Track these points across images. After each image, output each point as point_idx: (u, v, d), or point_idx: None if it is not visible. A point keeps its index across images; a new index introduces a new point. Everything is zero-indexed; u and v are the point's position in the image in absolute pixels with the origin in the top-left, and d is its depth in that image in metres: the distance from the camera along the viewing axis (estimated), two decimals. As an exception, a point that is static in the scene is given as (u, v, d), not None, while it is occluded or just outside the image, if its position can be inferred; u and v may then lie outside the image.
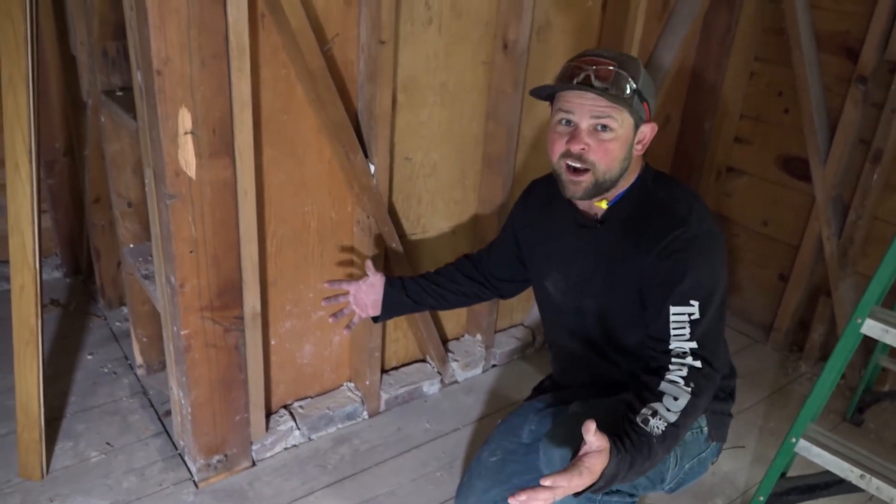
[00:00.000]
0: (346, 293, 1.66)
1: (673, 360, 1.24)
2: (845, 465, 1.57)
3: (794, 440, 1.63)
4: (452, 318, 2.32)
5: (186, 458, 1.87)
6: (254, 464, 1.91)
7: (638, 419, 1.21)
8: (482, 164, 2.10)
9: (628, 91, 1.23)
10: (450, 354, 2.28)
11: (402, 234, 1.98)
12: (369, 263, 1.64)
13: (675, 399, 1.22)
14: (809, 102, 2.29)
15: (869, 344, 2.13)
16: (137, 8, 1.37)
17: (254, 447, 1.90)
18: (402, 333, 2.19)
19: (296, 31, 1.51)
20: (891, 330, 1.49)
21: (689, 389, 1.22)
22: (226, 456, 1.84)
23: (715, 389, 1.29)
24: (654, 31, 2.31)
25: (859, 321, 1.53)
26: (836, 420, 2.25)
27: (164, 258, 1.61)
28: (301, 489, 1.85)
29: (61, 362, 2.24)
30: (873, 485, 1.53)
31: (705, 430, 1.44)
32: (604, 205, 1.38)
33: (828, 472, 1.65)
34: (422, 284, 1.67)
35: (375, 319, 1.69)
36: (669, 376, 1.23)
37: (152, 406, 2.09)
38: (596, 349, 1.46)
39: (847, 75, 2.24)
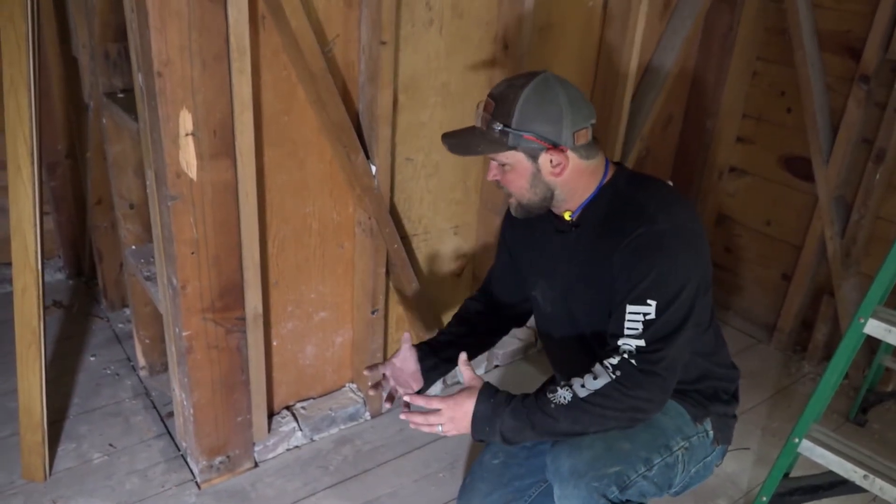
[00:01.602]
0: (386, 378, 1.57)
1: (618, 350, 1.25)
2: (849, 465, 1.56)
3: (797, 440, 1.63)
4: (454, 319, 2.31)
5: (189, 460, 1.87)
6: (256, 465, 1.91)
7: (550, 387, 1.27)
8: (484, 164, 2.10)
9: (496, 134, 1.28)
10: (452, 355, 2.28)
11: (403, 235, 1.98)
12: (406, 336, 1.56)
13: (595, 378, 1.24)
14: (812, 102, 2.29)
15: (872, 344, 2.13)
16: (138, 10, 1.37)
17: (256, 448, 1.90)
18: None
19: (296, 33, 1.51)
20: (894, 330, 1.49)
21: (614, 376, 1.23)
22: (228, 457, 1.84)
23: (660, 394, 1.25)
24: (655, 31, 2.31)
25: (862, 321, 1.52)
26: (840, 420, 2.25)
27: (166, 259, 1.61)
28: (303, 490, 1.85)
29: (64, 364, 2.25)
30: (877, 485, 1.52)
31: (711, 433, 1.44)
32: (567, 216, 1.40)
33: (831, 473, 1.65)
34: (451, 340, 1.59)
35: (421, 392, 1.56)
36: (605, 361, 1.25)
37: (155, 407, 2.09)
38: (590, 351, 1.46)
39: (849, 75, 2.24)
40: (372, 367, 1.60)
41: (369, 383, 1.60)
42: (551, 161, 1.30)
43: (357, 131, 1.74)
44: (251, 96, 1.51)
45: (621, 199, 1.34)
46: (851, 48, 2.23)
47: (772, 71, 2.48)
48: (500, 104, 1.28)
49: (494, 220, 2.12)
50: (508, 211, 1.55)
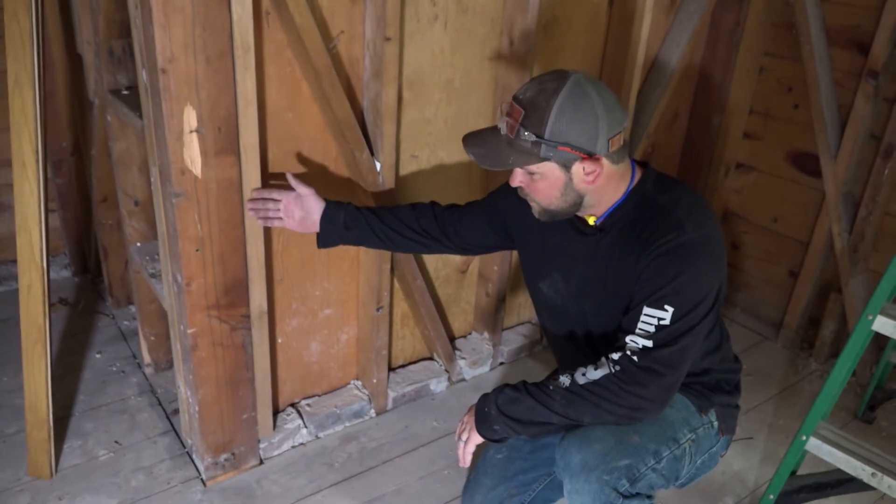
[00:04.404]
0: (278, 201, 1.57)
1: (624, 347, 1.26)
2: (857, 463, 1.55)
3: (804, 438, 1.62)
4: (460, 316, 2.31)
5: (194, 457, 1.88)
6: (261, 462, 1.91)
7: (553, 376, 1.31)
8: (489, 161, 2.09)
9: (528, 145, 1.23)
10: (457, 352, 2.28)
11: (408, 232, 1.97)
12: (289, 174, 1.56)
13: (596, 370, 1.26)
14: (819, 98, 2.27)
15: (880, 341, 2.11)
16: (142, 6, 1.37)
17: (261, 445, 1.90)
18: (410, 331, 2.18)
19: (301, 29, 1.51)
20: (902, 327, 1.48)
21: (613, 370, 1.24)
22: (233, 454, 1.84)
23: (661, 393, 1.25)
24: (661, 27, 2.30)
25: (870, 318, 1.52)
26: (847, 418, 2.24)
27: (171, 257, 1.61)
28: (309, 487, 1.85)
29: (70, 361, 2.25)
30: (885, 483, 1.51)
31: (715, 424, 1.44)
32: (591, 221, 1.38)
33: (838, 471, 1.64)
34: (368, 220, 1.58)
35: (318, 243, 1.61)
36: (609, 356, 1.26)
37: (160, 404, 2.09)
38: (596, 349, 1.45)
39: (857, 70, 2.22)
40: (263, 190, 1.58)
41: (255, 212, 1.58)
42: (584, 169, 1.25)
43: (361, 128, 1.73)
44: (255, 93, 1.50)
45: (649, 204, 1.32)
46: (859, 43, 2.21)
47: (779, 66, 2.46)
48: (530, 112, 1.22)
49: (499, 217, 2.11)
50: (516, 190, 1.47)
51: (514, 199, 1.49)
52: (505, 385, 1.34)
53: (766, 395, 2.32)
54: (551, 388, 1.28)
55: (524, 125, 1.22)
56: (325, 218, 1.57)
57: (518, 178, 1.32)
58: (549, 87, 1.22)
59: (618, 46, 2.16)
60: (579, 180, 1.27)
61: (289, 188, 1.58)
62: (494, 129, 1.31)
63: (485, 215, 1.60)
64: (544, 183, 1.28)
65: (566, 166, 1.25)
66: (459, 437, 1.38)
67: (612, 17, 2.15)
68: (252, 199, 1.59)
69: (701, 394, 1.43)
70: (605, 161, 1.26)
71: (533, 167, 1.26)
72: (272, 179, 1.69)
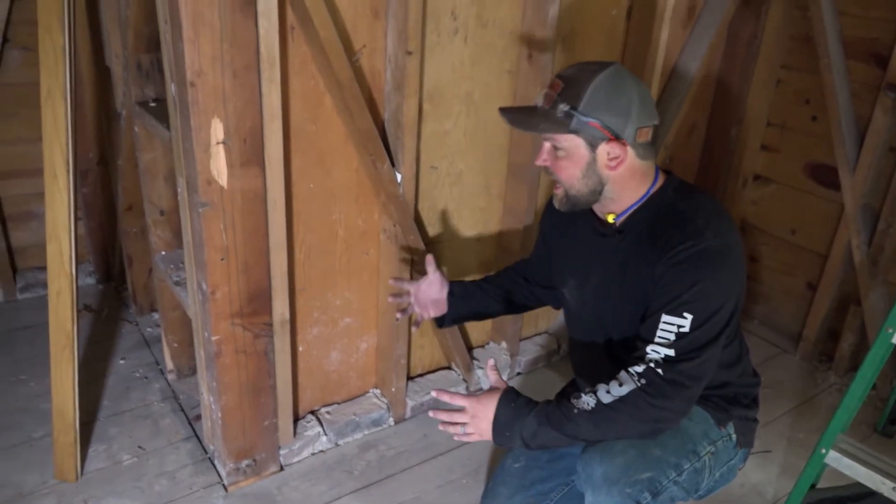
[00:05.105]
0: (408, 293, 1.71)
1: (644, 358, 1.26)
2: (877, 476, 1.54)
3: (823, 451, 1.61)
4: (478, 326, 2.33)
5: (216, 462, 1.90)
6: (281, 468, 1.93)
7: (574, 393, 1.28)
8: (507, 172, 2.11)
9: (560, 115, 1.26)
10: (475, 362, 2.29)
11: (427, 242, 2.00)
12: (429, 258, 1.65)
13: (620, 385, 1.25)
14: (837, 110, 2.27)
15: (900, 354, 2.10)
16: (172, 22, 1.41)
17: (281, 452, 1.92)
18: (428, 340, 2.20)
19: (325, 43, 1.54)
20: (923, 340, 1.47)
21: (639, 384, 1.23)
22: (254, 460, 1.86)
23: (684, 404, 1.25)
24: (679, 39, 2.31)
25: (890, 331, 1.51)
26: (867, 432, 2.22)
27: (196, 265, 1.64)
28: (328, 494, 1.87)
29: (94, 367, 2.29)
30: (905, 497, 1.50)
31: (734, 436, 1.44)
32: (610, 219, 1.39)
33: (858, 484, 1.63)
34: (481, 287, 1.69)
35: (441, 322, 1.69)
36: (630, 369, 1.26)
37: (182, 410, 2.12)
38: (611, 353, 1.47)
39: (876, 82, 2.22)
40: (397, 280, 1.74)
41: (394, 303, 1.76)
42: (609, 153, 1.28)
43: (383, 140, 1.76)
44: (280, 105, 1.54)
45: (669, 209, 1.33)
46: (878, 55, 2.21)
47: (797, 78, 2.47)
48: (569, 86, 1.26)
49: (518, 229, 2.13)
50: (549, 202, 1.56)
51: (549, 214, 1.59)
52: (526, 404, 1.30)
53: (784, 407, 2.31)
54: (576, 412, 1.25)
55: (561, 96, 1.26)
56: (451, 294, 1.66)
57: (544, 155, 1.34)
58: (591, 68, 1.27)
59: (635, 58, 2.17)
60: (602, 163, 1.30)
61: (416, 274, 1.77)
62: (531, 106, 1.34)
63: (537, 251, 1.67)
64: (568, 161, 1.31)
65: (592, 145, 1.28)
66: (458, 425, 1.34)
67: (630, 29, 2.17)
68: (391, 295, 1.81)
69: (719, 406, 1.44)
70: (629, 150, 1.29)
71: (560, 139, 1.29)
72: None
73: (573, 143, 1.29)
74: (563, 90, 1.27)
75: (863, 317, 2.37)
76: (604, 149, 1.28)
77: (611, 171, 1.31)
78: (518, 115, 1.35)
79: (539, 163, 1.36)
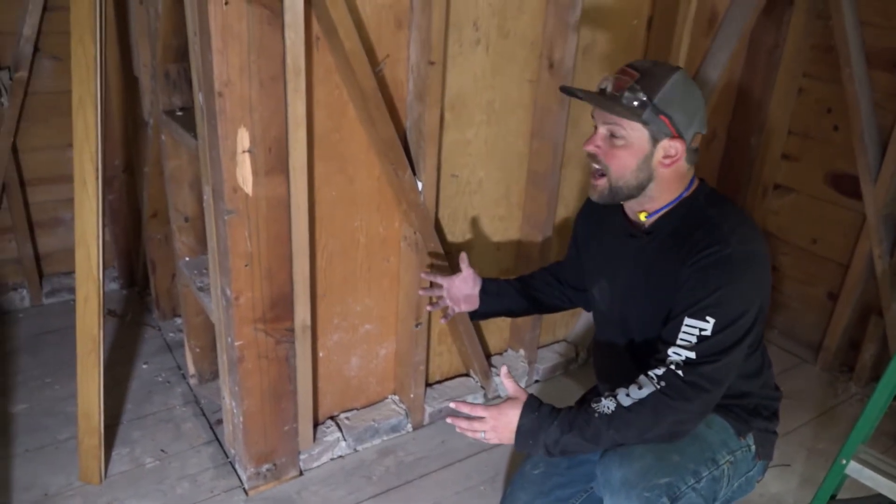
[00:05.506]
0: (441, 287, 1.76)
1: (665, 360, 1.26)
2: (899, 488, 1.53)
3: (844, 462, 1.60)
4: (496, 333, 2.34)
5: (237, 466, 1.93)
6: (301, 473, 1.95)
7: (594, 399, 1.29)
8: (527, 180, 2.12)
9: (635, 103, 1.27)
10: (493, 369, 2.30)
11: (447, 250, 2.01)
12: (463, 255, 1.70)
13: (639, 388, 1.25)
14: (860, 120, 2.26)
15: (923, 365, 2.08)
16: (201, 34, 1.44)
17: (301, 457, 1.94)
18: (447, 347, 2.21)
19: (349, 53, 1.56)
20: (946, 351, 1.46)
21: (659, 386, 1.24)
22: (275, 465, 1.88)
23: (703, 407, 1.26)
24: (700, 48, 2.31)
25: (912, 342, 1.50)
26: (888, 443, 2.20)
27: (221, 271, 1.67)
28: (347, 499, 1.88)
29: (117, 371, 2.33)
30: (928, 509, 1.49)
31: (753, 448, 1.44)
32: (643, 217, 1.40)
33: (880, 496, 1.62)
34: (513, 285, 1.74)
35: (472, 316, 1.77)
36: (650, 372, 1.26)
37: (204, 415, 2.15)
38: (634, 355, 1.47)
39: (898, 92, 2.21)
40: (429, 274, 1.79)
41: (427, 299, 1.82)
42: (666, 150, 1.30)
43: (404, 148, 1.78)
44: (305, 114, 1.56)
45: (698, 214, 1.35)
46: (901, 65, 2.21)
47: (818, 88, 2.46)
48: (645, 77, 1.27)
49: (537, 237, 2.14)
50: (585, 204, 1.61)
51: (583, 215, 1.63)
52: (549, 414, 1.30)
53: (804, 418, 2.30)
54: (597, 416, 1.26)
55: (639, 84, 1.27)
56: (484, 291, 1.72)
57: (598, 141, 1.34)
58: (666, 65, 1.31)
59: (656, 69, 2.18)
60: (658, 159, 1.31)
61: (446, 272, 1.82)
62: (599, 91, 1.34)
63: (570, 254, 1.71)
64: (626, 151, 1.31)
65: (655, 139, 1.30)
66: (477, 432, 1.33)
67: (651, 39, 2.18)
68: (423, 288, 1.84)
69: (740, 417, 1.43)
70: (683, 152, 1.31)
71: (627, 126, 1.29)
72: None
73: (638, 134, 1.29)
74: (640, 80, 1.27)
75: (884, 327, 2.35)
76: (664, 145, 1.30)
77: (662, 169, 1.32)
78: (587, 95, 1.33)
79: (590, 148, 1.34)
